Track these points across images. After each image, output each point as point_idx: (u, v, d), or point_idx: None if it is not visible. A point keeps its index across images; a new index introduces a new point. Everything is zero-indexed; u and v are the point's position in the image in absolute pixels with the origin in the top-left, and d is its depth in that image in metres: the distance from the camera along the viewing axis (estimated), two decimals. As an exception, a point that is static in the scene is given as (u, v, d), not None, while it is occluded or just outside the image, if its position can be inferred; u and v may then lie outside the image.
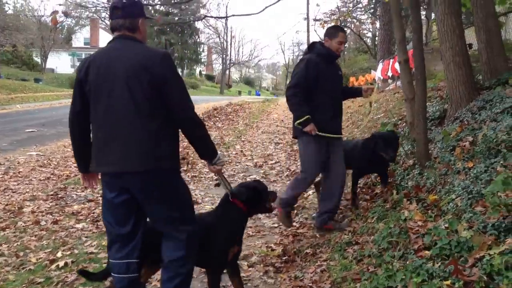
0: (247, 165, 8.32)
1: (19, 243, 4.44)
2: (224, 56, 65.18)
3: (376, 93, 13.78)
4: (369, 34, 36.05)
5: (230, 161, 8.65)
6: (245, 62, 74.10)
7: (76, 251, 4.19)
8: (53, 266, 3.84)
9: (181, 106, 2.69)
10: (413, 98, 5.31)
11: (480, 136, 4.26)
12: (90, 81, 2.66)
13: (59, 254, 4.11)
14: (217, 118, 15.31)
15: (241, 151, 9.74)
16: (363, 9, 29.91)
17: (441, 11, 5.77)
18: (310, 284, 3.42)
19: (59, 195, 6.21)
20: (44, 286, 3.54)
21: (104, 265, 3.75)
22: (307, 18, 38.25)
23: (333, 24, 29.54)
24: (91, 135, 2.78)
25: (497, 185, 2.93)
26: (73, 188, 6.46)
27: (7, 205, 5.76)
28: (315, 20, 33.99)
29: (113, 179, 2.71)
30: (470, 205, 3.52)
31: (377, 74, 15.81)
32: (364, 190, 5.56)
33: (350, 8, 30.21)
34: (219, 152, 2.92)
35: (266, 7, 8.60)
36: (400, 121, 7.39)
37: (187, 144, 9.47)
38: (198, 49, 64.04)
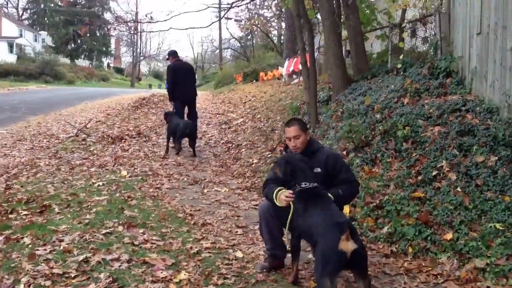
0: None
1: None
2: (134, 49, 65.88)
3: (284, 85, 17.03)
4: (275, 32, 39.43)
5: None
6: (154, 56, 75.15)
7: None
8: None
9: None
10: (309, 87, 8.35)
11: (345, 108, 7.41)
12: None
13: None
14: (149, 106, 17.56)
15: (182, 129, 12.34)
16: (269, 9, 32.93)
17: (327, 30, 8.90)
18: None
19: None
20: None
21: None
22: (219, 16, 40.78)
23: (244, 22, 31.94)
24: None
25: (345, 127, 5.96)
26: None
27: None
28: (227, 18, 36.69)
29: None
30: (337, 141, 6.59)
31: (284, 70, 19.04)
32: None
33: (258, 8, 33.45)
34: None
35: (172, 17, 11.13)
36: (302, 104, 10.48)
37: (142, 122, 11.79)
38: (107, 41, 64.11)
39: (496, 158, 4.73)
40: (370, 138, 6.03)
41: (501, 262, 3.63)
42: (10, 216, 4.74)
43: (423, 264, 3.93)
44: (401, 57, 8.46)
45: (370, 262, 4.05)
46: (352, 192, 3.73)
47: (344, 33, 10.68)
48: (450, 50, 7.12)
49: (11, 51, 48.67)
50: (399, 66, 8.05)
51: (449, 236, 4.08)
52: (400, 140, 5.69)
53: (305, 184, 3.33)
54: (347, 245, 2.82)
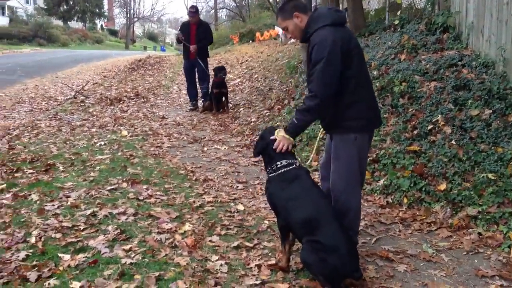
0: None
1: None
2: (128, 10, 64.66)
3: (281, 45, 16.90)
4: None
5: (176, 96, 11.28)
6: (148, 17, 73.87)
7: None
8: None
9: None
10: (307, 45, 8.33)
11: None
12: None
13: None
14: (145, 68, 17.50)
15: (179, 90, 12.35)
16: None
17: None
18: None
19: None
20: None
21: None
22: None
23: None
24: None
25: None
26: None
27: None
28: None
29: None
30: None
31: (280, 30, 18.85)
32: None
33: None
34: None
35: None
36: (299, 63, 10.46)
37: (140, 83, 11.85)
38: (100, 2, 62.72)
39: (490, 111, 4.82)
40: (367, 95, 6.09)
41: (492, 209, 3.79)
42: (16, 174, 4.86)
43: (417, 213, 4.09)
44: (398, 13, 8.42)
45: (367, 212, 4.21)
46: (301, 114, 2.99)
47: (341, -10, 10.56)
48: (447, 5, 7.09)
49: (2, 14, 47.85)
50: (396, 22, 8.03)
51: (442, 186, 4.22)
52: (397, 96, 5.76)
53: (281, 163, 3.01)
54: None
